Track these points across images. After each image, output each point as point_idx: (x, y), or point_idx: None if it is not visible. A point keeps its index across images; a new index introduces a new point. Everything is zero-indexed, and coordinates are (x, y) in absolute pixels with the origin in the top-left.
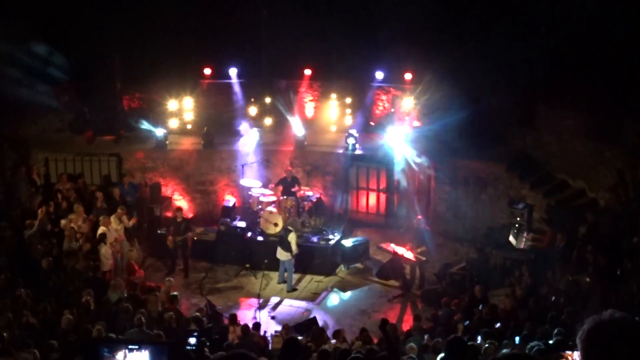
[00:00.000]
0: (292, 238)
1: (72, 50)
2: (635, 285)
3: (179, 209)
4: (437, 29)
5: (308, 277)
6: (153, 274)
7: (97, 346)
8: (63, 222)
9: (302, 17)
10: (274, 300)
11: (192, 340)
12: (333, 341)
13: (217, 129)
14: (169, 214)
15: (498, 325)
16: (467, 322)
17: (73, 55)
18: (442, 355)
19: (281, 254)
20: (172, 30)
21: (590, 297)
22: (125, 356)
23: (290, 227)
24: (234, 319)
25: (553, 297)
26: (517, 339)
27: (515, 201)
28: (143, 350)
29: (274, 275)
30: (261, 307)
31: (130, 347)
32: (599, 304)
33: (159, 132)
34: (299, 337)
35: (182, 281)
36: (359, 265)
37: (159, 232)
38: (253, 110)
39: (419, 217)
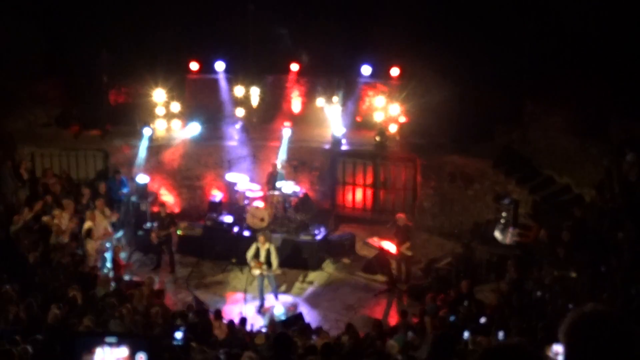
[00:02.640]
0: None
1: (59, 44)
2: (620, 280)
3: (163, 204)
4: (425, 25)
5: (294, 272)
6: (139, 269)
7: (74, 342)
8: (46, 218)
9: (290, 12)
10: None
11: (179, 335)
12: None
13: (204, 123)
14: (155, 209)
15: (483, 320)
16: (453, 317)
17: (60, 49)
18: (428, 349)
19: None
20: (159, 25)
21: (576, 292)
22: (103, 352)
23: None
24: (219, 314)
25: (539, 292)
26: (501, 334)
27: (501, 196)
28: (122, 346)
29: None
30: (247, 302)
31: (108, 341)
32: (583, 299)
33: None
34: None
35: (168, 276)
36: (345, 260)
37: (144, 227)
38: (240, 105)
39: (400, 215)
